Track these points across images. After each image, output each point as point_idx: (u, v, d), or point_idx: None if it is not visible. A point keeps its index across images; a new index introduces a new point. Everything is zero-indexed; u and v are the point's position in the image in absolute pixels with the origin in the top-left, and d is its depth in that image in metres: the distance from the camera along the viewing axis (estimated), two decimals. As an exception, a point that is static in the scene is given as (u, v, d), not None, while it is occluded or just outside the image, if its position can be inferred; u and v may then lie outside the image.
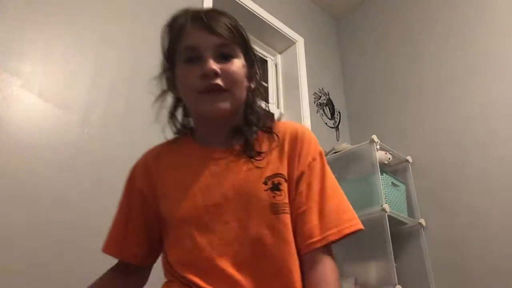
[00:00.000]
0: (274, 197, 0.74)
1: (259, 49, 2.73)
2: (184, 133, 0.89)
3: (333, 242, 0.74)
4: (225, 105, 0.77)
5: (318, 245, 0.73)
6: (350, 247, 2.19)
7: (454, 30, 2.53)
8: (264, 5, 2.58)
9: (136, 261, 0.88)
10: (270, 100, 2.63)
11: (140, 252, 0.88)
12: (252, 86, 0.86)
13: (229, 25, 0.79)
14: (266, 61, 2.77)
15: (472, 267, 2.05)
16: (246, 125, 0.83)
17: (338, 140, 2.69)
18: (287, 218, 0.74)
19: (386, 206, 2.05)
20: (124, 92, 1.67)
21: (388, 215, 2.05)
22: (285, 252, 0.72)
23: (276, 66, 2.79)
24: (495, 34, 2.34)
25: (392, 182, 2.26)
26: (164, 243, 0.85)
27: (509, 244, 1.97)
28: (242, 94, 0.82)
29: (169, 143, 0.90)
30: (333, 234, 0.74)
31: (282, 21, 2.69)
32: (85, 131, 1.51)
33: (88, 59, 1.62)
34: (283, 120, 0.88)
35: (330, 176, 0.82)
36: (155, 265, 0.93)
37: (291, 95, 2.62)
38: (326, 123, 2.70)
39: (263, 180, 0.76)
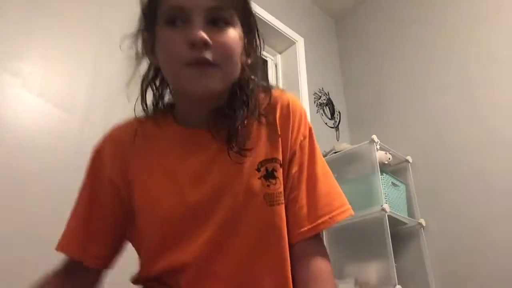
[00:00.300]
0: (268, 186, 0.66)
1: (259, 49, 2.73)
2: (161, 110, 0.75)
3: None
4: (214, 84, 0.64)
5: (309, 234, 0.68)
6: (350, 247, 2.19)
7: (454, 30, 2.53)
8: (264, 5, 2.58)
9: (99, 264, 0.73)
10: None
11: (105, 253, 0.74)
12: (249, 61, 0.71)
13: None
14: (266, 61, 2.77)
15: (472, 267, 2.04)
16: (230, 108, 0.69)
17: (338, 140, 2.69)
18: (282, 210, 0.67)
19: (386, 206, 2.05)
20: (124, 92, 1.66)
21: (388, 215, 2.05)
22: (280, 246, 0.66)
23: (276, 66, 2.79)
24: (496, 34, 2.34)
25: (392, 182, 2.26)
26: (135, 242, 0.73)
27: (509, 243, 1.97)
28: (236, 71, 0.67)
29: (145, 121, 0.75)
30: (324, 222, 0.68)
31: (282, 21, 2.69)
32: (85, 131, 1.50)
33: (88, 59, 1.62)
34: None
35: (320, 157, 0.75)
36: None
37: (291, 95, 2.62)
38: (326, 123, 2.70)
39: (255, 167, 0.67)
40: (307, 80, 2.66)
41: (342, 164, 2.34)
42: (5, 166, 1.28)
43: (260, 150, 0.69)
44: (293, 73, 2.68)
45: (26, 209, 1.27)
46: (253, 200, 0.66)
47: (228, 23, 0.65)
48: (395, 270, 1.94)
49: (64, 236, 0.75)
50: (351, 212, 0.72)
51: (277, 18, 2.65)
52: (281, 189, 0.68)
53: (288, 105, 0.73)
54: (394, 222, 2.13)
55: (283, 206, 0.68)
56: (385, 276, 2.00)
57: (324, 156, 2.35)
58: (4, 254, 1.19)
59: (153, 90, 0.75)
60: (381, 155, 2.25)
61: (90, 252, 0.72)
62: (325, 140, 2.55)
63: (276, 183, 0.67)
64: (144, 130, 0.74)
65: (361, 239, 2.16)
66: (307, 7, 3.06)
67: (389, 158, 2.28)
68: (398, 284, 1.92)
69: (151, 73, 0.74)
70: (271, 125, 0.71)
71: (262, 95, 0.73)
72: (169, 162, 0.70)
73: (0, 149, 1.29)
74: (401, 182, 2.36)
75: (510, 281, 1.91)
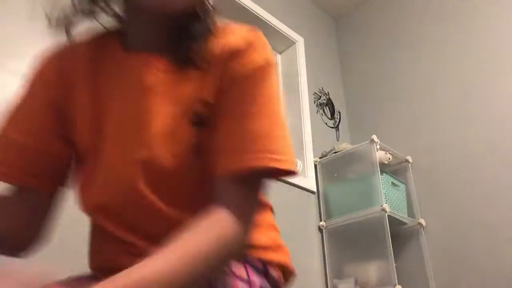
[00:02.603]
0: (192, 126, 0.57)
1: (259, 49, 2.73)
2: (105, 34, 0.66)
3: (247, 176, 0.53)
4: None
5: (220, 176, 0.54)
6: (350, 247, 2.19)
7: (454, 29, 2.53)
8: (264, 5, 2.58)
9: (35, 183, 0.64)
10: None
11: (41, 171, 0.64)
12: None
13: None
14: (266, 61, 2.77)
15: (472, 267, 2.04)
16: (193, 29, 0.59)
17: (338, 140, 2.69)
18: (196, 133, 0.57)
19: (386, 206, 2.05)
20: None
21: (388, 215, 2.05)
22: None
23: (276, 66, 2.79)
24: (496, 33, 2.34)
25: (392, 182, 2.26)
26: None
27: (509, 243, 1.97)
28: None
29: (86, 43, 0.66)
30: (241, 169, 0.53)
31: (282, 21, 2.69)
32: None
33: (88, 59, 1.62)
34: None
35: (270, 93, 0.58)
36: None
37: (291, 95, 2.62)
38: (326, 123, 2.70)
39: (183, 103, 0.58)
40: (307, 80, 2.66)
41: (342, 164, 2.34)
42: (5, 166, 1.28)
43: (190, 84, 0.59)
44: (293, 73, 2.68)
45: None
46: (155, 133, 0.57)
47: None
48: (395, 270, 1.95)
49: None
50: (291, 167, 0.54)
51: (277, 18, 2.65)
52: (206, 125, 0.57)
53: (241, 35, 0.61)
54: (394, 222, 2.13)
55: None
56: (385, 276, 2.00)
57: (324, 156, 2.35)
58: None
59: (101, 8, 0.63)
60: (381, 155, 2.25)
61: (17, 169, 0.64)
62: (325, 140, 2.55)
63: (200, 122, 0.58)
64: (86, 52, 0.65)
65: (361, 239, 2.16)
66: (307, 7, 3.06)
67: (389, 158, 2.28)
68: (398, 284, 1.92)
69: None
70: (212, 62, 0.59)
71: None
72: (100, 91, 0.62)
73: (0, 149, 1.29)
74: (401, 182, 2.36)
75: (510, 280, 1.91)
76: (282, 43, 2.75)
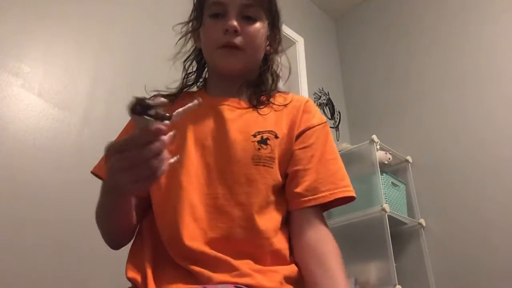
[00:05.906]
0: (259, 149, 0.75)
1: (259, 49, 2.73)
2: (196, 81, 0.93)
3: (325, 204, 0.76)
4: (237, 62, 0.82)
5: (309, 204, 0.75)
6: (350, 247, 2.19)
7: (454, 30, 2.53)
8: (264, 5, 2.58)
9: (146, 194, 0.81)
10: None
11: None
12: (271, 50, 0.91)
13: None
14: (266, 61, 2.77)
15: (472, 267, 2.04)
16: (261, 82, 0.87)
17: (338, 140, 2.69)
18: (266, 172, 0.75)
19: (386, 206, 2.05)
20: (124, 92, 1.66)
21: (388, 215, 2.05)
22: (250, 201, 0.72)
23: (276, 66, 2.79)
24: (496, 33, 2.34)
25: (392, 182, 2.26)
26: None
27: (509, 244, 1.97)
28: (258, 55, 0.86)
29: (184, 93, 0.91)
30: (324, 196, 0.76)
31: (282, 21, 2.68)
32: (85, 131, 1.51)
33: (88, 59, 1.62)
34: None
35: (332, 143, 0.84)
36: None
37: (291, 95, 2.62)
38: (326, 123, 2.70)
39: (252, 133, 0.77)
40: (307, 80, 2.66)
41: (342, 164, 2.34)
42: (5, 166, 1.28)
43: (262, 123, 0.80)
44: (293, 73, 2.67)
45: (26, 209, 1.27)
46: (241, 157, 0.75)
47: (256, 18, 0.83)
48: (395, 270, 1.95)
49: (101, 160, 0.86)
50: (353, 194, 0.78)
51: (277, 18, 2.65)
52: (272, 155, 0.76)
53: (301, 101, 0.86)
54: (394, 222, 2.13)
55: (269, 169, 0.75)
56: (385, 276, 2.00)
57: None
58: (4, 254, 1.19)
59: (187, 64, 0.93)
60: (381, 155, 2.25)
61: None
62: (325, 140, 2.54)
63: (267, 148, 0.76)
64: (181, 98, 0.87)
65: (361, 239, 2.16)
66: (307, 7, 3.06)
67: (389, 158, 2.28)
68: (398, 284, 1.92)
69: (194, 53, 0.94)
70: (281, 110, 0.83)
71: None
72: (188, 123, 0.80)
73: (0, 149, 1.29)
74: (401, 182, 2.36)
75: (510, 280, 1.91)
76: (282, 43, 2.74)
